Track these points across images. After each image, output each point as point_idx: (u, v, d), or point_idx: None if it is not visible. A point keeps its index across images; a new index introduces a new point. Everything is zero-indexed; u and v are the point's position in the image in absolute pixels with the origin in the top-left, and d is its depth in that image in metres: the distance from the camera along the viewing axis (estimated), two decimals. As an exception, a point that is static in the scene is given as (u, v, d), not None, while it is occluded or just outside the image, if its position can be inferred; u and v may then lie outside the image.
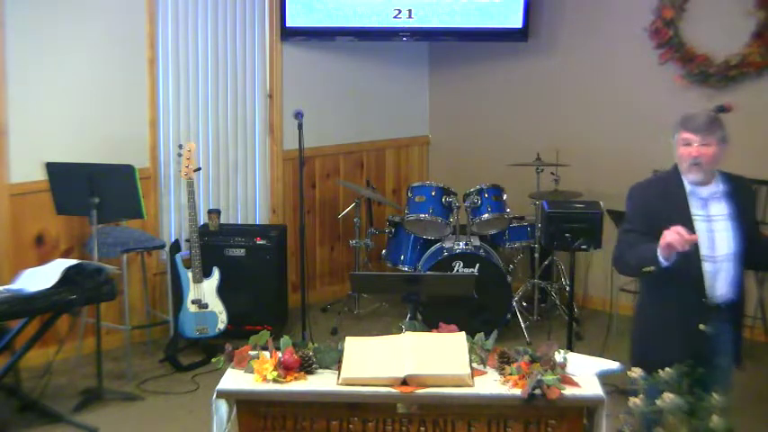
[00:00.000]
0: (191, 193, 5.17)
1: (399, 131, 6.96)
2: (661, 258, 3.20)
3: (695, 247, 3.26)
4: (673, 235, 3.11)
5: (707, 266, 3.28)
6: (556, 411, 2.90)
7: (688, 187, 3.33)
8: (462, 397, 2.91)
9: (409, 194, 5.84)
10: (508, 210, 5.76)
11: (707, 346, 3.26)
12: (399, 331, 3.28)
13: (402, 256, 5.99)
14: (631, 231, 3.40)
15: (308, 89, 6.34)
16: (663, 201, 3.36)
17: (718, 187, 3.33)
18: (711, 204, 3.32)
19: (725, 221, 3.31)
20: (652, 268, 3.24)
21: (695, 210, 3.32)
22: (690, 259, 3.26)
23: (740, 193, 3.37)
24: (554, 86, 6.43)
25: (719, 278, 3.30)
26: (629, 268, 3.45)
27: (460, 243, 5.61)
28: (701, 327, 3.28)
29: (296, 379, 3.01)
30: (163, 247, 5.38)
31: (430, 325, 3.32)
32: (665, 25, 5.75)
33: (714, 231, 3.30)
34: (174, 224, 5.83)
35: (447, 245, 5.67)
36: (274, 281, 5.67)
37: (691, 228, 3.28)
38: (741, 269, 3.34)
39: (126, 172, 4.82)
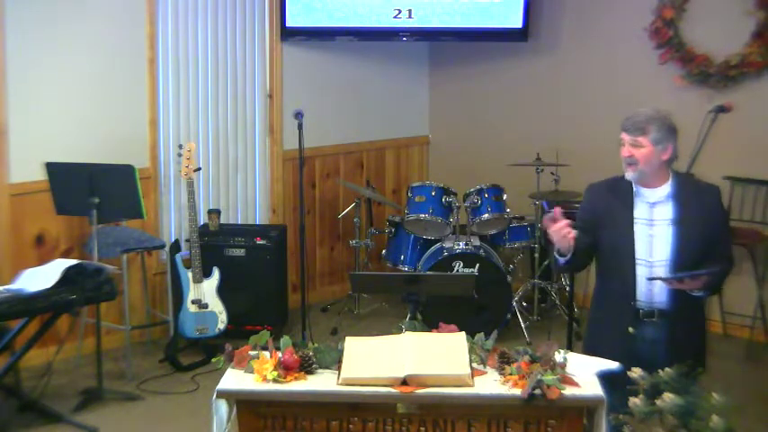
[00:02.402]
0: (191, 193, 5.17)
1: (399, 131, 6.96)
2: (556, 254, 3.28)
3: (630, 249, 3.27)
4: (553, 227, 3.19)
5: (641, 271, 3.27)
6: (556, 411, 2.90)
7: (635, 189, 3.32)
8: (462, 397, 2.91)
9: (409, 194, 5.84)
10: (508, 210, 5.76)
11: (640, 349, 3.24)
12: (399, 331, 3.28)
13: (402, 256, 5.99)
14: (575, 229, 3.40)
15: (308, 89, 6.34)
16: (609, 202, 3.36)
17: (667, 191, 3.29)
18: (657, 208, 3.29)
19: (666, 226, 3.27)
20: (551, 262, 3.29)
21: (638, 212, 3.30)
22: (624, 261, 3.28)
23: (691, 198, 3.28)
24: (554, 86, 6.43)
25: (656, 283, 3.27)
26: (556, 266, 3.50)
27: (460, 243, 5.61)
28: (630, 330, 3.29)
29: (296, 379, 3.00)
30: (163, 247, 5.39)
31: (430, 325, 3.32)
32: (665, 25, 5.75)
33: (653, 236, 3.27)
34: (174, 224, 5.84)
35: (447, 245, 5.67)
36: (274, 281, 5.67)
37: (629, 230, 3.28)
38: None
39: (126, 172, 4.82)
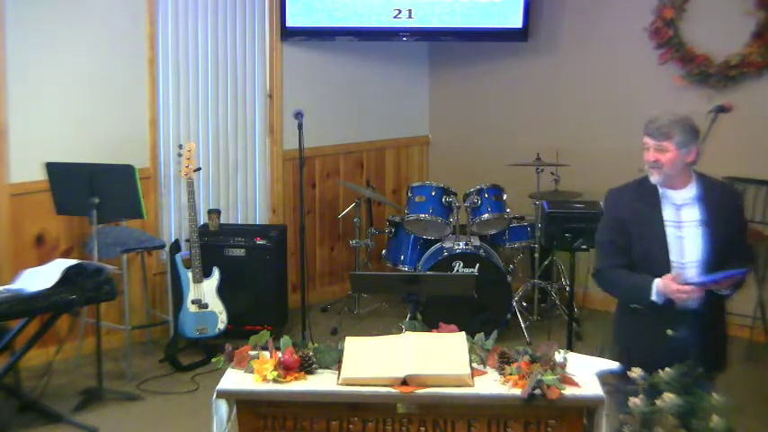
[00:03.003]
0: (191, 193, 5.17)
1: (399, 131, 6.96)
2: (655, 297, 3.24)
3: (664, 252, 3.27)
4: (674, 288, 3.16)
5: (674, 273, 3.26)
6: (556, 411, 2.90)
7: (661, 191, 3.33)
8: (462, 397, 2.91)
9: (409, 194, 5.84)
10: (508, 210, 5.76)
11: (677, 350, 3.23)
12: (399, 331, 3.28)
13: (402, 256, 5.99)
14: (611, 244, 3.41)
15: (308, 89, 6.34)
16: (636, 206, 3.36)
17: (692, 192, 3.32)
18: (684, 209, 3.31)
19: (695, 227, 3.29)
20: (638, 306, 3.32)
21: (667, 215, 3.31)
22: (658, 265, 3.28)
23: (715, 198, 3.31)
24: (554, 86, 6.43)
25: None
26: (614, 294, 3.51)
27: (460, 243, 5.61)
28: (668, 332, 3.28)
29: (296, 379, 3.01)
30: (163, 247, 5.39)
31: (430, 325, 3.32)
32: (665, 25, 5.75)
33: (683, 238, 3.29)
34: (174, 224, 5.83)
35: (447, 245, 5.67)
36: (274, 281, 5.67)
37: (660, 233, 3.28)
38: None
39: (126, 172, 4.82)
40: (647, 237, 3.31)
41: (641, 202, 3.36)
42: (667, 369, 2.80)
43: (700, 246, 3.28)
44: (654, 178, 3.30)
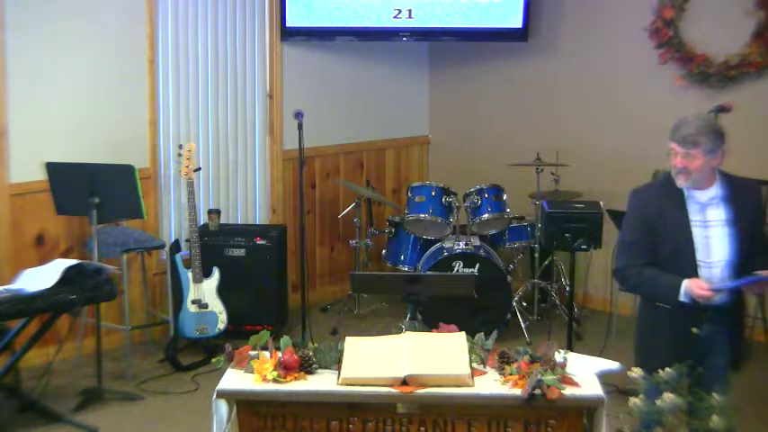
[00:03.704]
0: (191, 193, 5.17)
1: (399, 131, 6.96)
2: (683, 298, 3.26)
3: (691, 252, 3.28)
4: (701, 293, 3.20)
5: (702, 272, 3.29)
6: (556, 411, 2.91)
7: (686, 192, 3.34)
8: (462, 397, 2.92)
9: (409, 194, 5.84)
10: (508, 210, 5.76)
11: (701, 348, 3.26)
12: (399, 331, 3.29)
13: (402, 256, 5.99)
14: (637, 243, 3.41)
15: (308, 89, 6.34)
16: (661, 205, 3.37)
17: (716, 192, 3.33)
18: (709, 209, 3.33)
19: (721, 227, 3.31)
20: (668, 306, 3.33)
21: (693, 214, 3.33)
22: (685, 264, 3.29)
23: (740, 198, 3.34)
24: (554, 86, 6.43)
25: (716, 282, 3.28)
26: (639, 293, 3.53)
27: (460, 243, 5.61)
28: (694, 330, 3.30)
29: (296, 379, 3.01)
30: (163, 247, 5.39)
31: (430, 325, 3.32)
32: (665, 25, 5.75)
33: (710, 237, 3.31)
34: (174, 224, 5.83)
35: (447, 245, 5.67)
36: (274, 281, 5.67)
37: (687, 233, 3.29)
38: (738, 275, 3.30)
39: (126, 172, 4.82)
40: (673, 237, 3.33)
41: (667, 201, 3.37)
42: (668, 369, 2.80)
43: (726, 245, 3.30)
44: (681, 183, 3.31)
